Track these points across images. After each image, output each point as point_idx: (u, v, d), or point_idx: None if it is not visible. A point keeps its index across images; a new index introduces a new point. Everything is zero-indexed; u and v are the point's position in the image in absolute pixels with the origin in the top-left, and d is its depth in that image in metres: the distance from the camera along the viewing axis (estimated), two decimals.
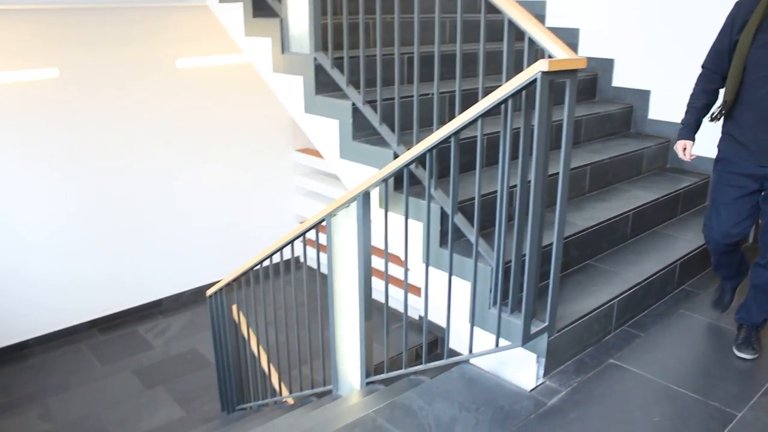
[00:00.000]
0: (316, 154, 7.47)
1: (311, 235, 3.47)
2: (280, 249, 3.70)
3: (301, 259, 3.59)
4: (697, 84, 2.94)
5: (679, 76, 4.27)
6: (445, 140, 2.60)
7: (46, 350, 6.34)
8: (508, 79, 2.48)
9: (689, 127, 2.98)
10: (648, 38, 4.42)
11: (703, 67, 2.90)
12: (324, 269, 3.34)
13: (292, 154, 7.88)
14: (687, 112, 2.97)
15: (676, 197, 3.94)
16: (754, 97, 2.69)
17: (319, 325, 3.59)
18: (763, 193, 2.84)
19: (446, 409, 2.64)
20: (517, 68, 2.53)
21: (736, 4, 2.70)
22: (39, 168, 6.01)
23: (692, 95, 2.96)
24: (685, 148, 3.00)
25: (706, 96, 2.90)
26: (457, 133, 2.55)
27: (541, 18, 4.98)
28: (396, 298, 5.86)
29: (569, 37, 4.81)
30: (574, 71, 2.27)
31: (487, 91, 2.66)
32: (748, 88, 2.70)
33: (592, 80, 4.70)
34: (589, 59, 4.69)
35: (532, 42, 2.46)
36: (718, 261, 3.10)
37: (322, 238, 3.31)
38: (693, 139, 2.99)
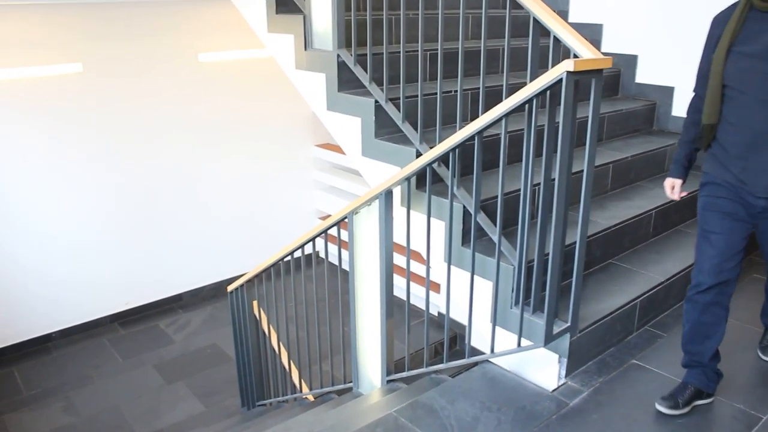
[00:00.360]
0: (335, 149, 7.48)
1: (332, 231, 3.48)
2: (302, 246, 3.71)
3: (322, 254, 3.59)
4: (687, 113, 2.64)
5: None
6: (469, 139, 2.59)
7: (69, 343, 6.41)
8: (532, 78, 2.47)
9: (679, 164, 2.70)
10: (672, 34, 4.38)
11: (693, 91, 2.61)
12: (345, 265, 3.34)
13: (312, 149, 7.88)
14: (678, 146, 2.70)
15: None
16: (738, 117, 2.36)
17: (340, 321, 3.60)
18: (758, 228, 2.52)
19: (468, 408, 2.63)
20: (542, 63, 2.52)
21: (713, 21, 2.47)
22: (61, 163, 6.06)
23: (683, 126, 2.67)
24: (673, 187, 2.74)
25: (695, 128, 2.57)
26: (480, 132, 2.54)
27: (564, 14, 4.95)
28: (416, 295, 5.89)
29: (592, 32, 4.78)
30: (599, 71, 2.26)
31: (511, 88, 2.65)
32: (729, 108, 2.38)
33: (615, 76, 4.67)
34: (613, 55, 4.63)
35: (557, 40, 2.45)
36: (697, 321, 2.55)
37: (344, 234, 3.31)
38: (683, 177, 2.71)
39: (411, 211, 2.98)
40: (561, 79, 2.19)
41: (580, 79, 2.22)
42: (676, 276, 3.24)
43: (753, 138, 2.33)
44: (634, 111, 4.37)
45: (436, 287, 5.26)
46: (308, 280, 3.91)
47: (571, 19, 4.94)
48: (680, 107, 4.41)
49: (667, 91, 4.46)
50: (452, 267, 2.92)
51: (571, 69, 2.13)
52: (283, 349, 4.50)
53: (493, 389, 2.77)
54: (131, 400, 5.57)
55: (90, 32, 5.91)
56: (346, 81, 3.50)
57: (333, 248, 6.68)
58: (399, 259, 3.19)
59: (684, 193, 2.74)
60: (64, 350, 6.31)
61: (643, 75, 4.60)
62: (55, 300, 6.33)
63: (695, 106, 2.58)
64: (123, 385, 5.77)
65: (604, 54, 4.70)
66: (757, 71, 2.28)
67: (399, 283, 3.22)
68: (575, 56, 2.30)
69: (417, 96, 3.12)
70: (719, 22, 2.43)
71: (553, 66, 2.37)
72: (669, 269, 3.27)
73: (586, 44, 2.32)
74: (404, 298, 3.10)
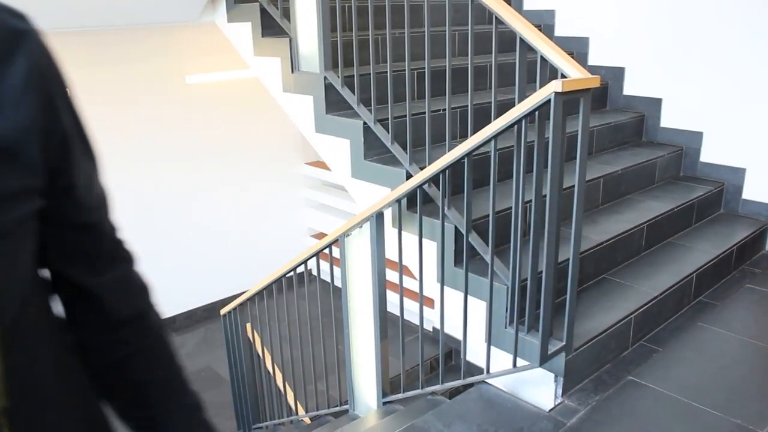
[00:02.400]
0: (326, 166, 7.45)
1: (325, 249, 3.46)
2: (294, 269, 3.69)
3: (314, 272, 3.58)
4: None
5: (691, 83, 4.25)
6: (458, 159, 2.58)
7: None
8: (521, 96, 2.46)
9: None
10: (658, 46, 4.39)
11: None
12: (337, 282, 3.33)
13: (302, 167, 7.87)
14: None
15: (691, 206, 3.90)
16: None
17: (334, 340, 3.58)
18: None
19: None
20: (530, 77, 2.51)
21: None
22: None
23: None
24: None
25: None
26: (470, 153, 2.53)
27: (550, 27, 4.96)
28: (410, 310, 5.87)
29: (579, 45, 4.79)
30: (587, 89, 2.25)
31: (500, 106, 2.65)
32: None
33: (602, 89, 4.67)
34: (600, 68, 4.67)
35: (544, 58, 2.44)
36: None
37: (336, 251, 3.30)
38: None
39: (402, 232, 2.97)
40: (549, 100, 2.19)
41: (568, 99, 2.22)
42: (670, 289, 3.23)
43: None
44: (623, 123, 4.37)
45: (429, 302, 5.24)
46: (301, 298, 3.89)
47: (557, 33, 4.95)
48: (669, 118, 4.42)
49: (655, 103, 4.47)
50: (445, 287, 2.90)
51: (560, 90, 2.13)
52: (277, 371, 4.47)
53: (489, 411, 2.74)
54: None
55: (75, 58, 5.89)
56: (333, 103, 3.49)
57: (325, 265, 6.67)
58: (392, 275, 3.17)
59: None
60: None
61: (631, 87, 4.61)
62: None
63: None
64: None
65: (592, 67, 4.73)
66: None
67: (392, 299, 3.20)
68: (563, 76, 2.30)
69: (405, 116, 3.11)
70: None
71: (541, 81, 2.37)
72: (662, 283, 3.26)
73: (573, 63, 2.32)
74: (398, 314, 3.08)
